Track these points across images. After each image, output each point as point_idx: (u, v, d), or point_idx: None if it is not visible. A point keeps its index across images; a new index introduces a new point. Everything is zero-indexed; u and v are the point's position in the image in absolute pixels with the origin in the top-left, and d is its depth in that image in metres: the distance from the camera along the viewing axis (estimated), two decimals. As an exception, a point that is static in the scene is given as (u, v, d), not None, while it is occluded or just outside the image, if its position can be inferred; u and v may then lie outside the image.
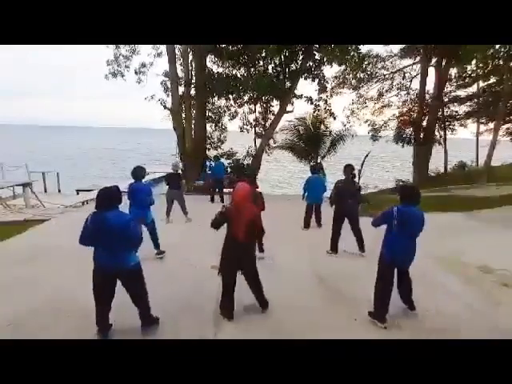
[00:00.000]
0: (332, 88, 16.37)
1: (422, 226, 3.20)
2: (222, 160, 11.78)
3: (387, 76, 18.32)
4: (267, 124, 14.66)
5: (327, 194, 6.72)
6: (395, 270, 3.37)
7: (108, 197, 2.84)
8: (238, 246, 3.22)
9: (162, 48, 13.42)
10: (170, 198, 7.19)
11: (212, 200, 9.65)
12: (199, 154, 12.83)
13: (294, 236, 6.36)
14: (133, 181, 5.03)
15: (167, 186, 7.33)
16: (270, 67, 13.21)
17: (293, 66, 12.84)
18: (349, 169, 5.29)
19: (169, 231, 6.15)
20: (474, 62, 15.99)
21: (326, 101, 13.48)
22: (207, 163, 12.66)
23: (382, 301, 3.28)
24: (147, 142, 77.87)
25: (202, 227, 6.75)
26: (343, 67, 15.00)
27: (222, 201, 9.74)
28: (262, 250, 5.05)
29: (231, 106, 15.33)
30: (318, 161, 12.98)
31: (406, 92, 18.43)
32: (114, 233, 2.74)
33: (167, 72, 13.46)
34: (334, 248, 5.37)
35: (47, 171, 18.16)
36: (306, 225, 6.78)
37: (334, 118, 13.82)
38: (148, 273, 3.60)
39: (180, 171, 7.21)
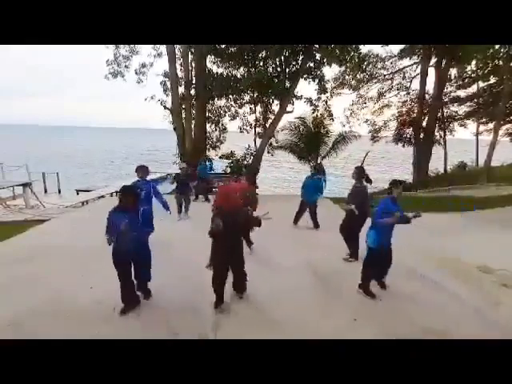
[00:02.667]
0: (332, 89, 16.37)
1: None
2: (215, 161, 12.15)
3: (387, 76, 18.35)
4: (267, 124, 14.65)
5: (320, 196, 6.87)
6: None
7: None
8: (228, 241, 3.45)
9: (162, 48, 13.44)
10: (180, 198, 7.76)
11: (207, 199, 9.85)
12: (199, 154, 12.84)
13: (294, 236, 6.36)
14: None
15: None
16: (270, 68, 13.21)
17: (293, 67, 12.84)
18: (358, 171, 4.94)
19: (166, 230, 6.14)
20: (474, 62, 16.02)
21: (326, 101, 13.47)
22: (207, 163, 12.74)
23: None
24: (147, 142, 77.89)
25: (200, 226, 6.83)
26: (343, 68, 15.00)
27: (207, 200, 9.82)
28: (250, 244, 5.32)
29: (231, 106, 15.34)
30: (318, 161, 12.96)
31: (406, 92, 18.46)
32: None
33: (167, 72, 13.46)
34: (356, 255, 4.98)
35: (47, 171, 18.20)
36: (295, 220, 6.99)
37: (333, 120, 13.84)
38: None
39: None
